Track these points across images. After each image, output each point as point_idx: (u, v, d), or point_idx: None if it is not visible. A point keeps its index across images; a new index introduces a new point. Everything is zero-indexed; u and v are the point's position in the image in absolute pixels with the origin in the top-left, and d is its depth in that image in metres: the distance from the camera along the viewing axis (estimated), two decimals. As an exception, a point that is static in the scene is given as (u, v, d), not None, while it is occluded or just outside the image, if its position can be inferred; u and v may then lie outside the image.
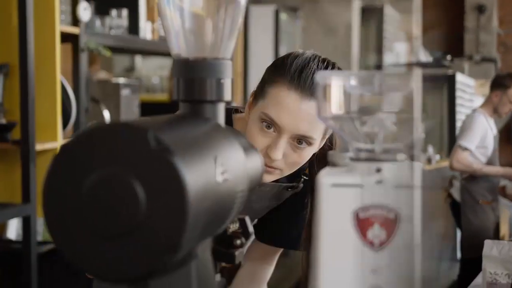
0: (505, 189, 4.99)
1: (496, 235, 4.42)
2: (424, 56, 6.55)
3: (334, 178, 0.68)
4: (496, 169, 4.48)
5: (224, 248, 0.79)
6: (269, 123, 1.30)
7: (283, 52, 7.41)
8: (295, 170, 1.36)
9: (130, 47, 3.53)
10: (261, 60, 5.56)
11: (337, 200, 0.67)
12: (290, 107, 1.28)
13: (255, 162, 0.84)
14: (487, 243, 1.92)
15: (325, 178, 0.68)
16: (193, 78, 0.79)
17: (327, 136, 1.37)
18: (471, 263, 4.34)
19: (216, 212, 0.68)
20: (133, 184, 0.60)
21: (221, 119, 0.81)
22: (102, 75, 4.13)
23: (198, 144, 0.67)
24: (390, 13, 7.36)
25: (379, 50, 7.37)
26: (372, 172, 0.68)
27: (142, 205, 0.60)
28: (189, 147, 0.65)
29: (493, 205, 4.48)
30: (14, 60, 2.64)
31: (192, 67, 0.80)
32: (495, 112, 4.43)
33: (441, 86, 7.36)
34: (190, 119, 0.76)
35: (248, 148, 0.84)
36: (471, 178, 4.44)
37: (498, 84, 4.40)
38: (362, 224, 0.67)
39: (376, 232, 0.67)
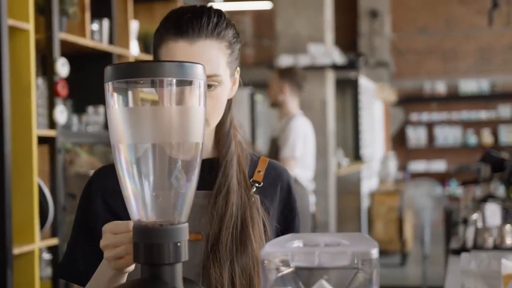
0: None
1: None
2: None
3: None
4: None
5: None
6: None
7: (259, 132, 7.54)
8: (220, 116, 1.29)
9: (107, 142, 3.62)
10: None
11: None
12: (180, 54, 1.22)
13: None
14: (464, 256, 1.75)
15: None
16: (152, 244, 0.86)
17: (237, 70, 1.32)
18: None
19: None
20: None
21: (178, 279, 0.87)
22: (84, 159, 4.17)
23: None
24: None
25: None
26: None
27: None
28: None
29: None
30: (-9, 165, 2.69)
31: (151, 233, 0.87)
32: None
33: (344, 89, 7.58)
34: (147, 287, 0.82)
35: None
36: None
37: None
38: None
39: None
